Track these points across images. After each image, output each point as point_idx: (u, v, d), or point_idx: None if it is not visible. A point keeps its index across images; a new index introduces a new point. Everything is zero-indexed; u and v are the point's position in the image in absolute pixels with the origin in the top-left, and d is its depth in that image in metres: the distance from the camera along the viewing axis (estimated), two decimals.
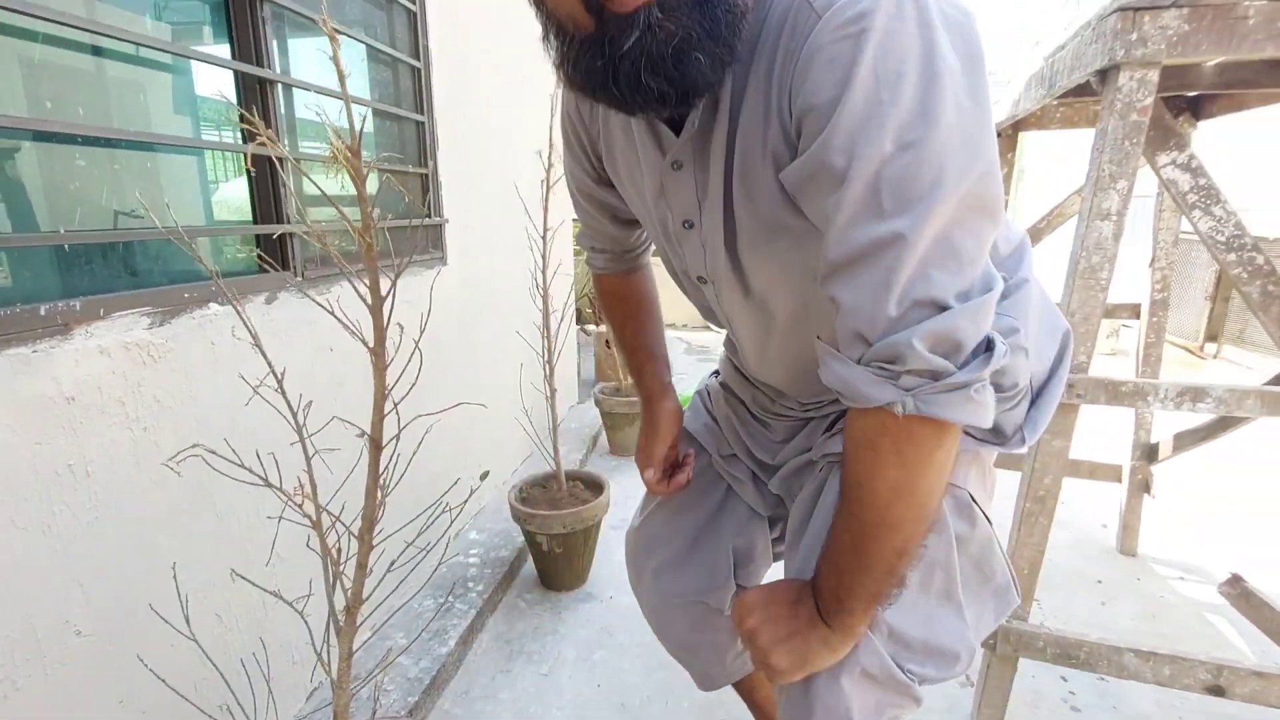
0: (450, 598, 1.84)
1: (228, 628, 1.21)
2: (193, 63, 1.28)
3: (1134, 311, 2.02)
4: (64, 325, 0.92)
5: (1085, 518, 2.45)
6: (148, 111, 1.24)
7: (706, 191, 0.70)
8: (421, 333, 0.97)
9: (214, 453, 0.83)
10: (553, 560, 1.97)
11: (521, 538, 2.16)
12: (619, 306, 1.10)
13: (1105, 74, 1.10)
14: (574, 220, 3.31)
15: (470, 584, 1.91)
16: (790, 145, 0.61)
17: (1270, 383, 1.39)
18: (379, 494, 0.86)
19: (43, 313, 0.90)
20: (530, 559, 2.15)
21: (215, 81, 1.33)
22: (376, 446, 0.84)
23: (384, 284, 0.84)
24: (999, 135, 1.97)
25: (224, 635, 1.20)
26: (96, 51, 1.09)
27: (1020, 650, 1.36)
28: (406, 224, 1.84)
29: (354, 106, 0.74)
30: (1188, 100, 1.68)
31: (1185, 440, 1.87)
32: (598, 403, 3.09)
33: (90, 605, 0.96)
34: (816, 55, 0.55)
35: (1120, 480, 2.15)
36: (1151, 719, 1.50)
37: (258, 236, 1.37)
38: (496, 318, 2.46)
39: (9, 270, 0.94)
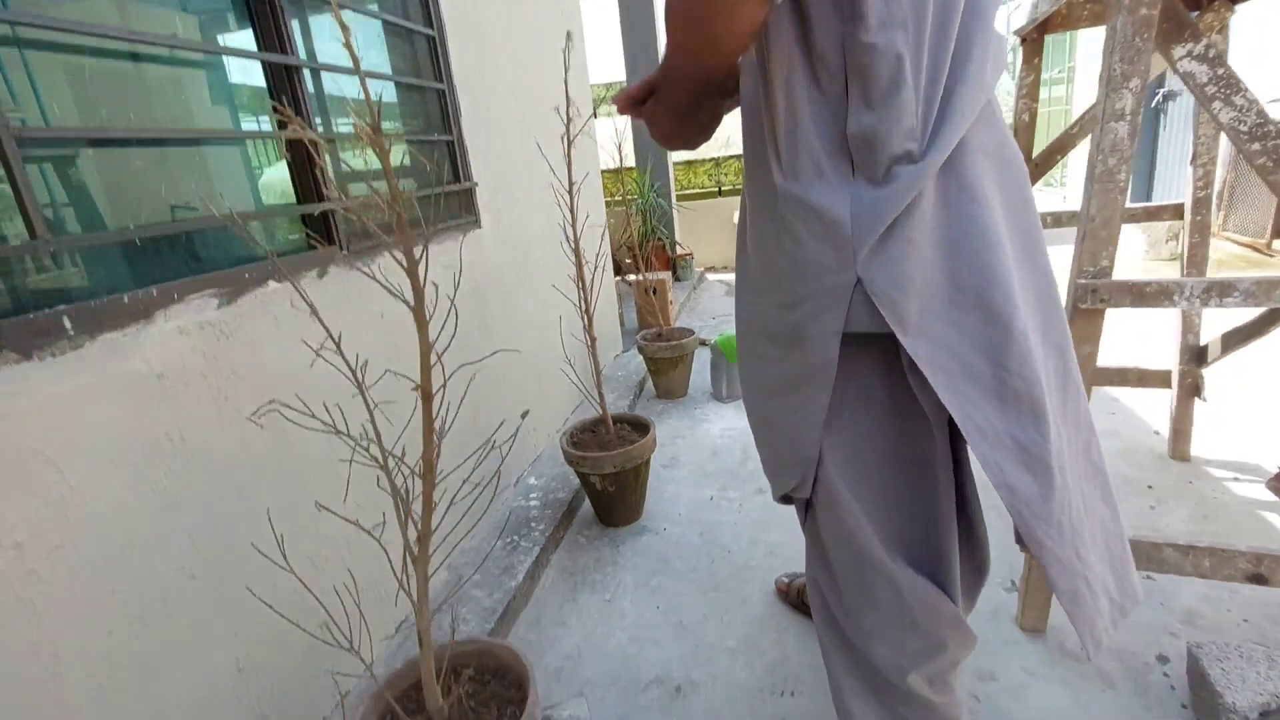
0: (515, 537, 1.98)
1: (319, 570, 1.36)
2: (224, 56, 1.36)
3: (1177, 212, 1.95)
4: (145, 311, 1.04)
5: (1136, 425, 2.42)
6: (188, 108, 1.33)
7: None
8: (456, 289, 1.05)
9: (288, 406, 0.94)
10: (607, 498, 2.09)
11: (576, 480, 2.28)
12: None
13: None
14: (603, 171, 3.32)
15: (533, 524, 2.05)
16: None
17: None
18: (434, 438, 0.96)
19: (126, 301, 1.01)
20: (586, 499, 2.28)
21: (246, 72, 1.41)
22: (427, 396, 0.93)
23: (419, 251, 0.91)
24: (1023, 41, 1.90)
25: (316, 578, 1.34)
26: (135, 57, 1.18)
27: None
28: (438, 191, 1.91)
29: (374, 81, 0.80)
30: None
31: (1233, 339, 1.83)
32: (640, 349, 3.17)
33: (198, 552, 1.10)
34: None
35: (1170, 386, 2.11)
36: (1199, 614, 1.53)
37: (303, 216, 1.47)
38: (533, 273, 2.54)
39: (93, 267, 1.06)
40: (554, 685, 1.54)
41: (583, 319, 2.10)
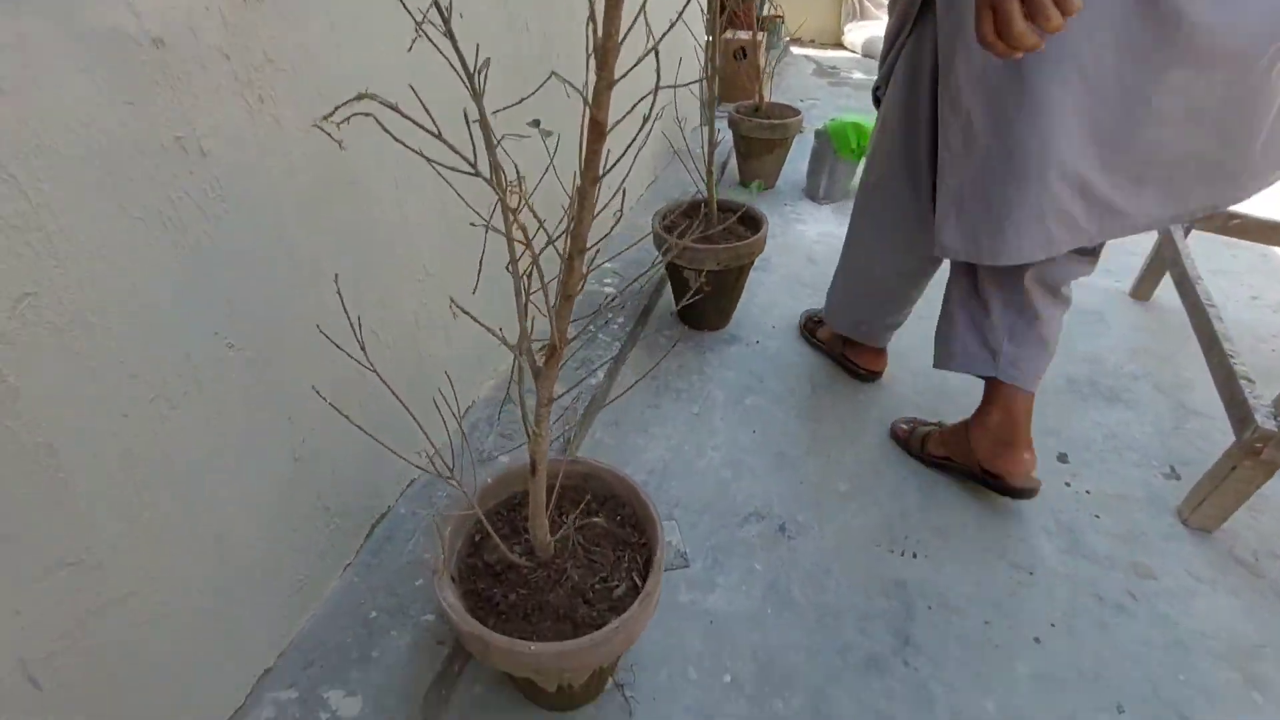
0: (591, 328, 1.71)
1: (385, 345, 1.08)
2: None
3: None
4: None
5: None
6: None
7: None
8: None
9: (394, 108, 0.57)
10: (699, 298, 1.78)
11: (660, 267, 1.96)
12: None
13: None
14: None
15: (610, 314, 1.77)
16: None
17: None
18: (594, 201, 0.60)
19: None
20: (668, 292, 1.98)
21: None
22: (599, 132, 0.55)
23: None
24: None
25: (378, 356, 1.08)
26: None
27: None
28: None
29: None
30: None
31: None
32: (732, 124, 2.64)
33: (235, 316, 0.80)
34: None
35: None
36: None
37: None
38: None
39: None
40: None
41: (706, 67, 1.60)
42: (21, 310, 0.58)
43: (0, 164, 0.55)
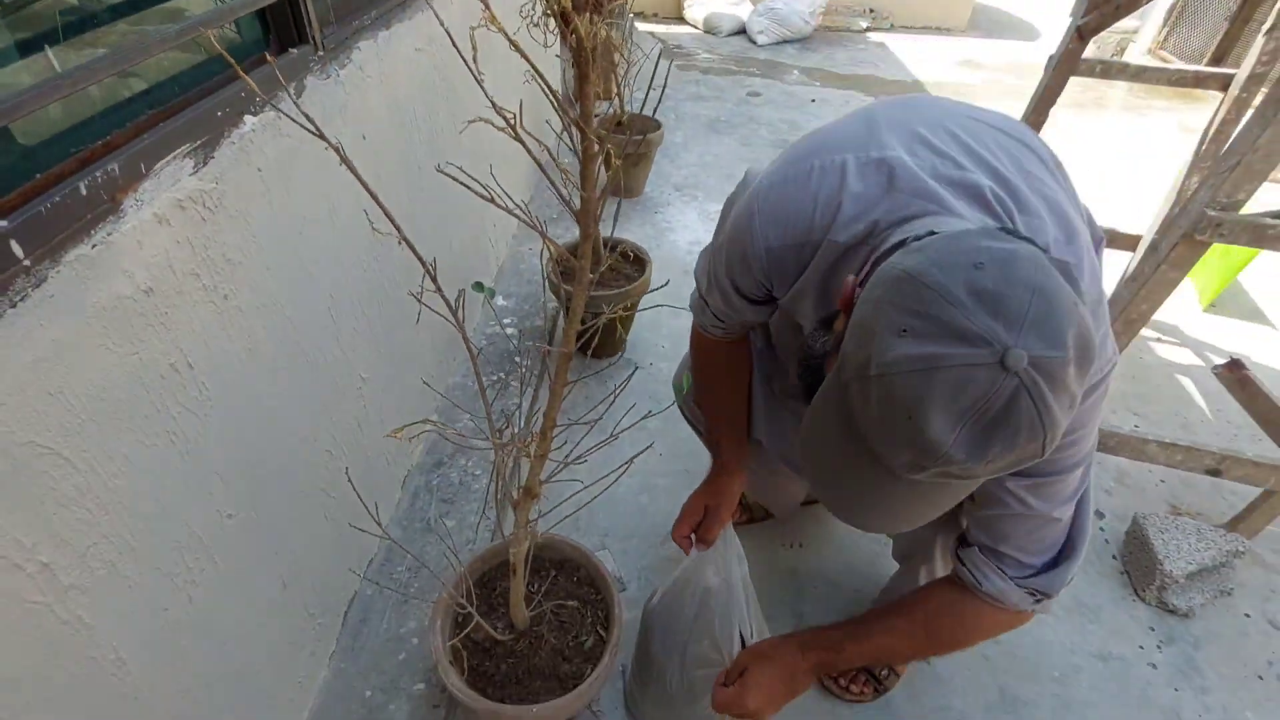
0: (502, 374, 1.86)
1: (334, 457, 1.20)
2: None
3: None
4: (110, 199, 0.70)
5: None
6: None
7: None
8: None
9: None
10: (592, 333, 1.97)
11: (552, 302, 2.12)
12: (715, 367, 1.18)
13: None
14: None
15: (516, 358, 1.92)
16: None
17: None
18: (592, 263, 0.79)
19: (84, 192, 0.67)
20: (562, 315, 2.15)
21: None
22: (590, 213, 0.73)
23: None
24: None
25: (326, 461, 1.19)
26: None
27: None
28: None
29: None
30: None
31: None
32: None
33: (229, 489, 0.91)
34: None
35: (1135, 250, 2.21)
36: (1127, 473, 1.78)
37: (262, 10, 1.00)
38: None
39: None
40: (573, 536, 1.57)
41: (551, 97, 1.74)
42: (87, 560, 0.68)
43: (56, 451, 0.64)
